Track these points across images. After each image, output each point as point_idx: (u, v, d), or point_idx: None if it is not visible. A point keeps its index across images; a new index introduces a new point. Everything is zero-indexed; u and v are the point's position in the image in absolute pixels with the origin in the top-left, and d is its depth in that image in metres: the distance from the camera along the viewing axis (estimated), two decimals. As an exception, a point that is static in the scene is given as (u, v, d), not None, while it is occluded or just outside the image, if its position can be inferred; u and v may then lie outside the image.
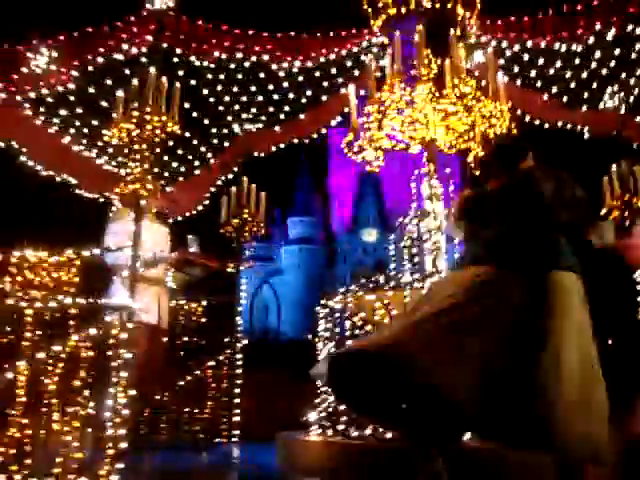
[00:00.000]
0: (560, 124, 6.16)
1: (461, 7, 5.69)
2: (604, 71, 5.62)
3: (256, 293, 50.19)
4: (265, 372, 7.31)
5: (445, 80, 5.49)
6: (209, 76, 5.82)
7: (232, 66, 5.76)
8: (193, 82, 5.83)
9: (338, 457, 4.57)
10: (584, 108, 6.00)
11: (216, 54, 5.56)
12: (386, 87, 5.56)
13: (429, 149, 5.59)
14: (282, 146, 6.68)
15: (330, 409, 4.99)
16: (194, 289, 6.49)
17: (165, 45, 5.18)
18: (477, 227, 3.25)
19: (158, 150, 5.75)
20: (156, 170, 5.78)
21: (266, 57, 5.69)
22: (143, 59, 5.05)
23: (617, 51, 5.32)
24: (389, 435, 4.50)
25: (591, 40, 5.13)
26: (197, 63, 5.60)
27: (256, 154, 6.86)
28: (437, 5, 5.63)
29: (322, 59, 5.83)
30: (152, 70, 4.62)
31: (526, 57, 5.57)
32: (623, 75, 5.59)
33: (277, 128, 6.45)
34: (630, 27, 4.88)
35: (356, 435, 4.70)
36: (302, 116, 6.35)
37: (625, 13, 4.80)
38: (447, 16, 5.70)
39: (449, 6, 5.66)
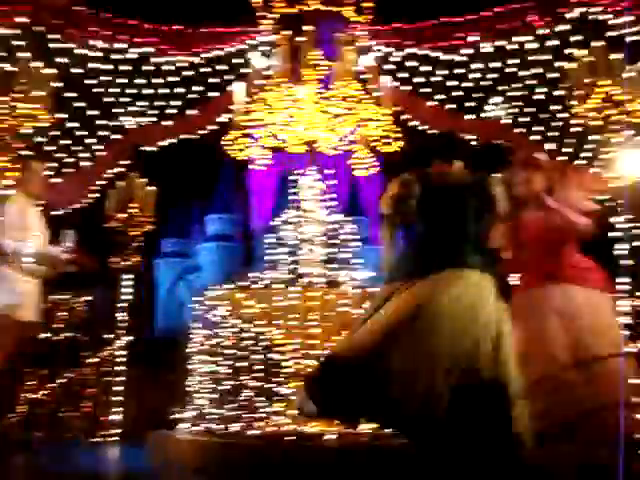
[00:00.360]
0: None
1: (352, 11, 5.75)
2: (485, 82, 5.78)
3: (171, 290, 49.48)
4: (149, 369, 7.20)
5: (331, 82, 5.56)
6: (93, 65, 5.66)
7: (116, 57, 5.62)
8: (77, 71, 5.66)
9: (206, 455, 4.57)
10: (470, 116, 6.13)
11: (97, 43, 5.42)
12: (272, 87, 5.57)
13: (312, 150, 5.63)
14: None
15: (198, 407, 4.98)
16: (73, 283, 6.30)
17: (40, 28, 4.98)
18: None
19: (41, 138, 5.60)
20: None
21: (150, 49, 5.60)
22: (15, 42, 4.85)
23: (496, 64, 5.47)
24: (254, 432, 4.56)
25: (470, 51, 5.26)
26: (78, 51, 5.44)
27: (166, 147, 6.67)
28: (326, 7, 5.67)
29: (208, 55, 5.78)
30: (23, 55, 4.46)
31: (412, 64, 5.66)
32: (503, 87, 5.76)
33: (167, 123, 6.33)
34: (503, 42, 5.03)
35: (223, 433, 4.71)
36: (192, 112, 6.26)
37: (496, 29, 4.96)
38: (337, 19, 5.74)
39: (339, 9, 5.70)
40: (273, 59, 5.77)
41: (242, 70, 5.88)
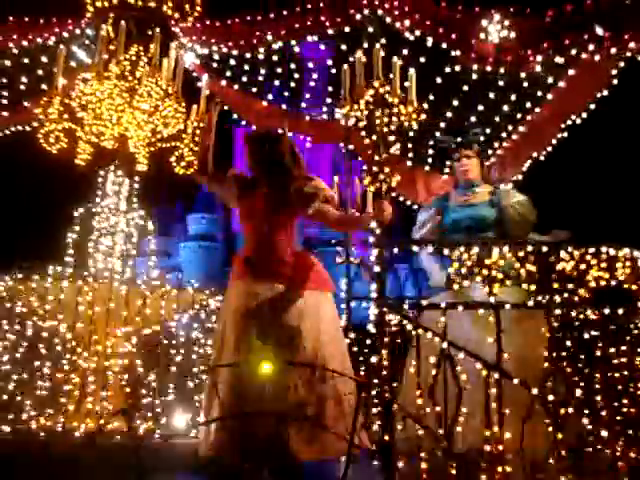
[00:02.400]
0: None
1: (169, 8, 5.70)
2: (316, 83, 5.73)
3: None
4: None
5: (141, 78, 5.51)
6: None
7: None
8: None
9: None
10: (307, 118, 6.06)
11: None
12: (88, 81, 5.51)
13: (122, 145, 5.57)
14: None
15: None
16: None
17: None
18: None
19: None
20: None
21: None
22: None
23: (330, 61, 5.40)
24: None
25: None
26: None
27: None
28: (143, 3, 5.62)
29: (25, 44, 5.70)
30: None
31: (232, 62, 5.60)
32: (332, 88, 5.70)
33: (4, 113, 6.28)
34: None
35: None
36: (26, 103, 6.20)
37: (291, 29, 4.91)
38: (154, 15, 5.69)
39: (156, 5, 5.66)
40: (93, 52, 5.71)
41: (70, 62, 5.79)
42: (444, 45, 4.58)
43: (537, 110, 5.71)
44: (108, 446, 4.25)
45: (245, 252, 3.52)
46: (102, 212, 5.54)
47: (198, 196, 67.32)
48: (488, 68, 4.57)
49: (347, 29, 4.80)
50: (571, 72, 5.12)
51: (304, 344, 3.43)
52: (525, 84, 5.22)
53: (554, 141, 5.87)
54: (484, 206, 4.69)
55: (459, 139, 5.00)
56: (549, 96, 5.47)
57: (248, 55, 5.36)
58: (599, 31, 4.41)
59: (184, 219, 66.67)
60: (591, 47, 4.34)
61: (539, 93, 5.42)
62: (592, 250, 4.21)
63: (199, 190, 67.00)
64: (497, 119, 5.71)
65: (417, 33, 4.64)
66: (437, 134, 5.51)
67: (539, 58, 4.42)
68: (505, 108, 5.56)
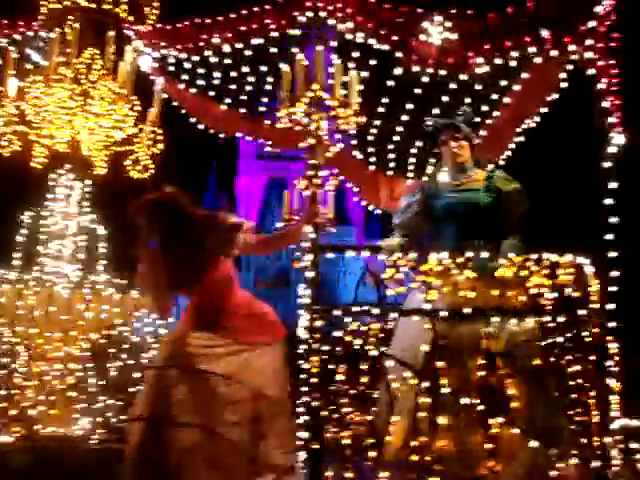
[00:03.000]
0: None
1: (124, 11, 5.68)
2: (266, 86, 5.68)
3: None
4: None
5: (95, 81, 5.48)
6: None
7: None
8: None
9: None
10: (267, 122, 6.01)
11: None
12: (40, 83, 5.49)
13: (75, 149, 5.54)
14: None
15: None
16: None
17: None
18: None
19: None
20: None
21: None
22: None
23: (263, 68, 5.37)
24: None
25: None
26: None
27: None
28: (97, 5, 5.60)
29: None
30: None
31: (188, 65, 5.55)
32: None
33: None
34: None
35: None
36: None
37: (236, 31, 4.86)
38: (109, 17, 5.66)
39: (110, 7, 5.63)
40: (46, 54, 5.68)
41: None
42: (386, 47, 4.51)
43: (496, 114, 5.64)
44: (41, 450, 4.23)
45: None
46: (51, 215, 5.51)
47: (204, 201, 67.45)
48: (429, 70, 4.49)
49: (291, 31, 4.74)
50: (524, 75, 5.05)
51: None
52: (478, 87, 5.15)
53: (512, 145, 5.79)
54: (480, 191, 4.58)
55: (445, 120, 4.89)
56: (506, 100, 5.39)
57: (199, 58, 5.30)
58: (544, 34, 4.33)
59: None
60: (532, 49, 4.25)
61: (494, 96, 5.34)
62: (534, 256, 4.13)
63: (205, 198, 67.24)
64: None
65: (360, 35, 4.57)
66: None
67: (480, 60, 4.34)
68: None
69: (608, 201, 4.12)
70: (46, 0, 5.73)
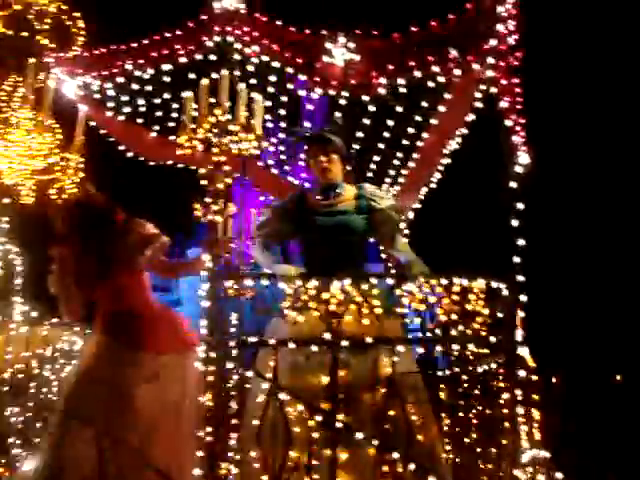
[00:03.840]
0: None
1: (45, 37, 5.63)
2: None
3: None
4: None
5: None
6: None
7: None
8: None
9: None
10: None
11: None
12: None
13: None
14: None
15: None
16: None
17: None
18: None
19: None
20: None
21: None
22: None
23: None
24: None
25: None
26: None
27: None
28: (16, 33, 5.55)
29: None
30: None
31: (112, 92, 5.47)
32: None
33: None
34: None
35: None
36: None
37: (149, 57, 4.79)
38: (29, 45, 5.62)
39: (30, 34, 5.59)
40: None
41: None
42: (290, 70, 4.44)
43: (425, 135, 5.56)
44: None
45: None
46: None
47: (197, 229, 67.57)
48: (331, 92, 4.40)
49: (199, 56, 4.67)
50: (447, 96, 4.99)
51: None
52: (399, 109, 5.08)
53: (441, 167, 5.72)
54: (352, 213, 4.41)
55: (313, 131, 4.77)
56: (433, 121, 5.32)
57: (121, 85, 5.23)
58: (453, 53, 4.25)
59: (182, 254, 66.89)
60: (435, 69, 4.16)
61: (418, 118, 5.26)
62: (444, 282, 3.99)
63: (197, 223, 67.21)
64: (381, 145, 5.55)
65: (265, 58, 4.51)
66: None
67: (383, 81, 4.24)
68: (386, 134, 5.41)
69: (515, 222, 4.00)
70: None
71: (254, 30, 4.51)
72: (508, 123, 4.03)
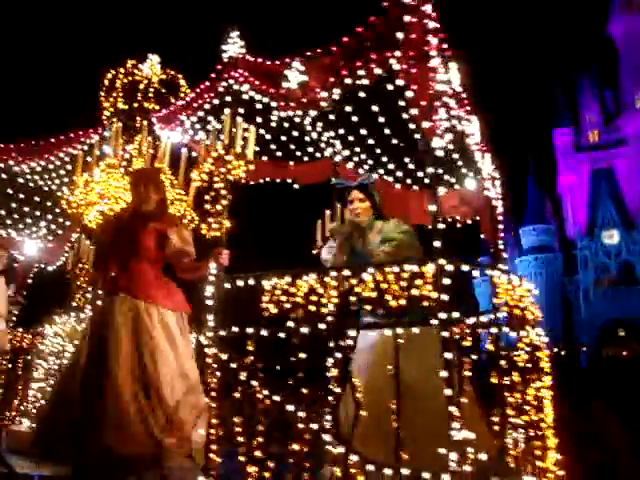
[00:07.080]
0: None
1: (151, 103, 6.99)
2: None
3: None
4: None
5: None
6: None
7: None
8: None
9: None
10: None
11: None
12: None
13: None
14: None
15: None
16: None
17: None
18: None
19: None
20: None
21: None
22: None
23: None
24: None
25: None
26: None
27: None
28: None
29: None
30: None
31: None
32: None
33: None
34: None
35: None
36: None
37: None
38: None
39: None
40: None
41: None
42: (258, 97, 5.01)
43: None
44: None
45: None
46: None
47: (528, 207, 65.54)
48: (291, 113, 4.86)
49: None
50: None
51: None
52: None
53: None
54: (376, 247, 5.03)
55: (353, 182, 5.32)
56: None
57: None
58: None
59: (515, 232, 65.42)
60: (361, 72, 4.38)
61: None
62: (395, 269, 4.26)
63: (527, 202, 65.35)
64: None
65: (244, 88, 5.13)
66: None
67: (324, 94, 4.59)
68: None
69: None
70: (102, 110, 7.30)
71: (239, 67, 5.13)
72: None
